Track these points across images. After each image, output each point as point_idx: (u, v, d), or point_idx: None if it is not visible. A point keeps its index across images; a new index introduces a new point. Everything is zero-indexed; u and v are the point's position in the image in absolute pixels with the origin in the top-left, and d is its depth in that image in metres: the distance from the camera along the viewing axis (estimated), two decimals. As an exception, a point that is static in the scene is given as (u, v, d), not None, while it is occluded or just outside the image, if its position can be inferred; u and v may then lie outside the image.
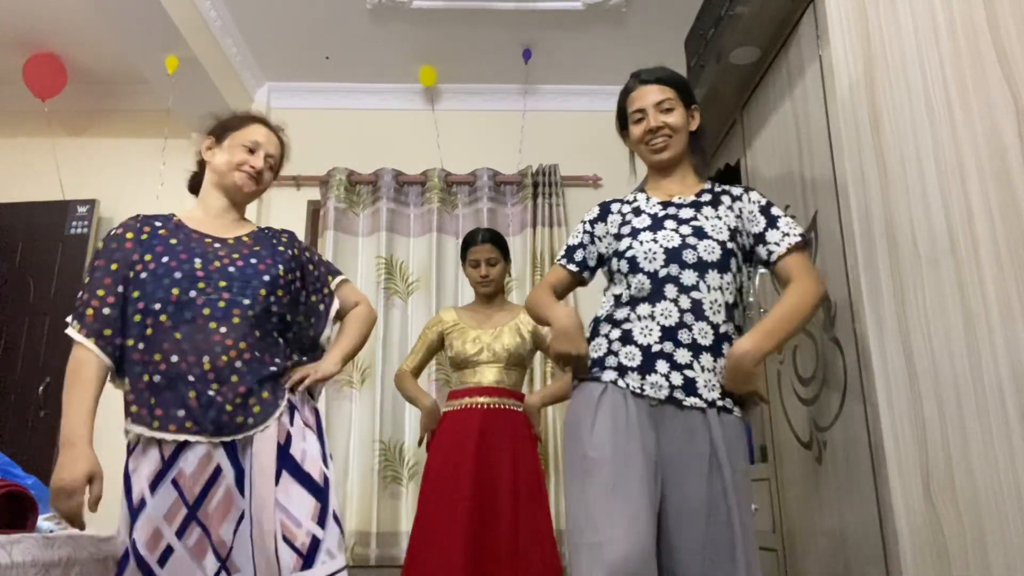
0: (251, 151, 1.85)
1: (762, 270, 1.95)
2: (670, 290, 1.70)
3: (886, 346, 1.65)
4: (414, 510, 3.47)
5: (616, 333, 1.74)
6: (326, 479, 1.68)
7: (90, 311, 1.67)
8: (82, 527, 1.60)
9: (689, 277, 1.70)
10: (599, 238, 1.90)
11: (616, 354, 1.71)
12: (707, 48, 2.58)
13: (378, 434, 3.61)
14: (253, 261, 1.78)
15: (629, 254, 1.77)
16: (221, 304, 1.68)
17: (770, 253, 1.76)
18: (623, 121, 1.93)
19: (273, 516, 1.58)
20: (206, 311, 1.67)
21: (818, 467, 1.98)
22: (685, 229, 1.76)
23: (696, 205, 1.81)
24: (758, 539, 2.30)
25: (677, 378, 1.65)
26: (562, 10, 3.60)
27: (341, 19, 3.66)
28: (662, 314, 1.69)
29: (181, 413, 1.61)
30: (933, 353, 1.62)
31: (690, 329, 1.67)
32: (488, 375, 2.73)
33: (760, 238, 1.78)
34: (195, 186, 1.99)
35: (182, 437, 1.60)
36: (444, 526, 2.52)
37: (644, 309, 1.71)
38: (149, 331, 1.66)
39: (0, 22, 3.65)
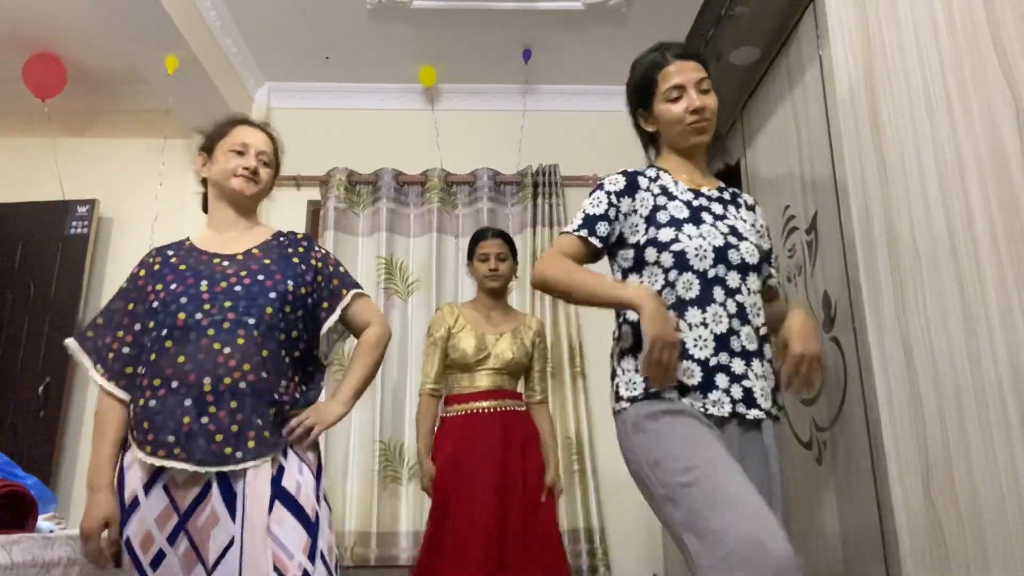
0: (241, 153, 1.83)
1: None
2: (718, 293, 1.57)
3: (886, 346, 1.65)
4: (414, 510, 3.49)
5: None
6: (318, 516, 1.63)
7: (111, 354, 1.72)
8: (104, 566, 1.63)
9: (733, 279, 1.59)
10: (624, 215, 1.67)
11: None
12: (707, 48, 2.58)
13: (378, 434, 3.61)
14: (261, 278, 1.74)
15: (676, 248, 1.59)
16: (226, 325, 1.66)
17: (770, 276, 1.74)
18: (643, 97, 1.73)
19: (266, 546, 1.55)
20: (211, 332, 1.65)
21: (818, 467, 1.98)
22: (722, 227, 1.63)
23: (722, 202, 1.71)
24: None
25: (737, 391, 1.53)
26: (562, 10, 3.60)
27: (341, 19, 3.66)
28: (713, 320, 1.56)
29: (171, 439, 1.59)
30: (933, 353, 1.62)
31: (739, 336, 1.56)
32: (490, 380, 2.69)
33: (767, 256, 1.72)
34: (206, 205, 1.95)
35: (169, 464, 1.58)
36: (465, 532, 2.48)
37: (694, 315, 1.56)
38: (153, 356, 1.66)
39: (0, 22, 3.65)
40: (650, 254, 1.62)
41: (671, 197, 1.66)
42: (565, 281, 1.60)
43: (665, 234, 1.61)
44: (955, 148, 1.74)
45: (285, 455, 1.66)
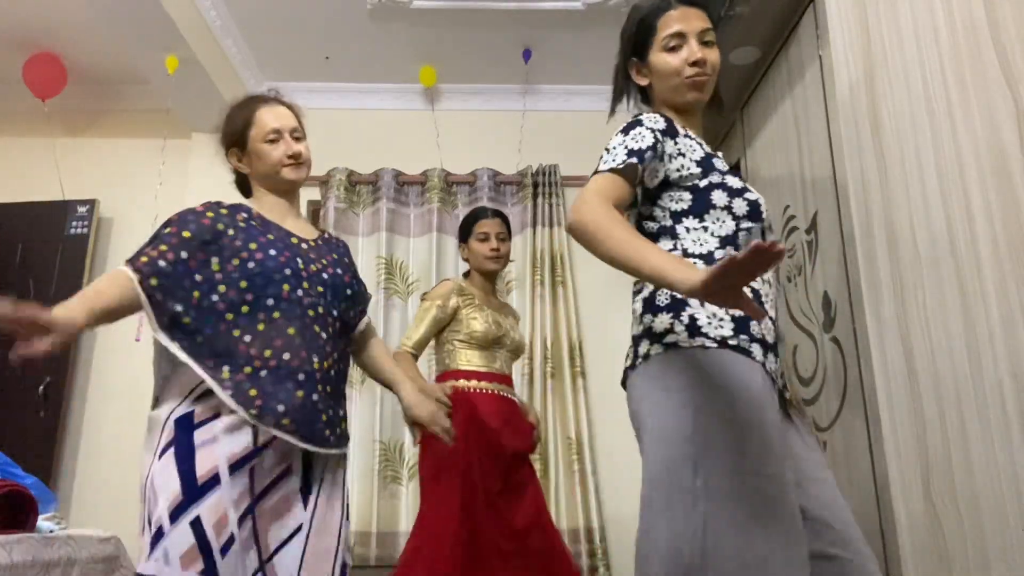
0: (275, 140, 1.78)
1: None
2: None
3: (886, 346, 1.65)
4: (414, 510, 3.48)
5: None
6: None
7: (144, 258, 1.57)
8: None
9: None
10: (669, 156, 1.47)
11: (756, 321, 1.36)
12: (707, 48, 2.57)
13: (378, 434, 3.61)
14: (339, 271, 1.76)
15: (751, 196, 1.46)
16: (320, 310, 1.67)
17: None
18: (638, 45, 1.56)
19: (336, 542, 1.59)
20: (311, 312, 1.64)
21: (818, 467, 1.98)
22: (752, 195, 1.49)
23: (734, 171, 1.55)
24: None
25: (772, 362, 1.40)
26: (562, 10, 3.60)
27: (341, 19, 3.66)
28: (764, 280, 1.43)
29: (281, 408, 1.54)
30: (933, 353, 1.62)
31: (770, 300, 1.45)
32: (504, 363, 2.55)
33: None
34: (242, 187, 1.91)
35: (274, 432, 1.53)
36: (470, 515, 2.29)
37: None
38: (261, 326, 1.60)
39: (0, 22, 3.65)
40: (719, 197, 1.44)
41: (709, 156, 1.51)
42: (605, 233, 1.29)
43: (733, 180, 1.46)
44: (955, 148, 1.75)
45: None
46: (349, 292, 1.75)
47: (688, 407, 1.29)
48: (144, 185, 4.07)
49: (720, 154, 1.59)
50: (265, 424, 1.53)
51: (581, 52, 3.91)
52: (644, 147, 1.41)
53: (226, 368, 1.55)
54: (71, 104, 4.11)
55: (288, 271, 1.64)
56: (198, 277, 1.59)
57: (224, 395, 1.53)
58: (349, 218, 3.95)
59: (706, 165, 1.47)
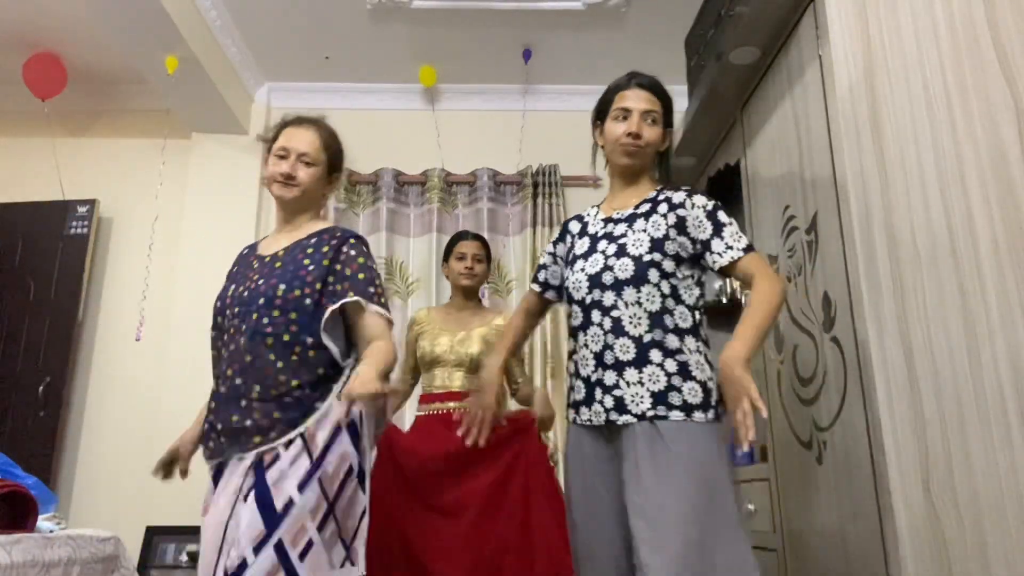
0: (282, 157, 1.89)
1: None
2: (595, 315, 1.72)
3: (886, 346, 1.65)
4: (413, 510, 3.49)
5: (571, 367, 1.80)
6: (288, 505, 1.60)
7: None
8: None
9: (608, 298, 1.70)
10: (561, 259, 1.96)
11: (572, 389, 1.78)
12: (707, 48, 2.58)
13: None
14: (260, 282, 1.79)
15: (567, 284, 1.83)
16: (232, 332, 1.78)
17: (714, 263, 1.70)
18: (601, 113, 1.93)
19: (219, 541, 1.61)
20: (224, 337, 1.80)
21: (818, 467, 1.98)
22: (611, 249, 1.76)
23: (631, 219, 1.79)
24: (758, 539, 2.30)
25: (609, 401, 1.66)
26: (562, 10, 3.60)
27: (341, 19, 3.66)
28: (592, 339, 1.71)
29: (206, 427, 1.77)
30: (933, 353, 1.62)
31: (612, 349, 1.67)
32: (455, 379, 2.64)
33: (706, 245, 1.71)
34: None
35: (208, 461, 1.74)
36: (417, 528, 2.38)
37: (580, 338, 1.75)
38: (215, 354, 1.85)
39: (0, 22, 3.65)
40: (564, 294, 1.88)
41: (583, 234, 1.88)
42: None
43: (567, 274, 1.85)
44: (955, 148, 1.74)
45: (288, 445, 1.66)
46: (261, 301, 1.74)
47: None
48: (144, 185, 4.07)
49: (618, 213, 1.83)
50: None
51: (581, 52, 3.91)
52: (540, 265, 2.03)
53: None
54: (71, 104, 4.11)
55: (219, 303, 1.85)
56: None
57: None
58: (349, 218, 3.95)
59: (567, 260, 1.90)
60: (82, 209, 3.97)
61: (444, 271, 2.88)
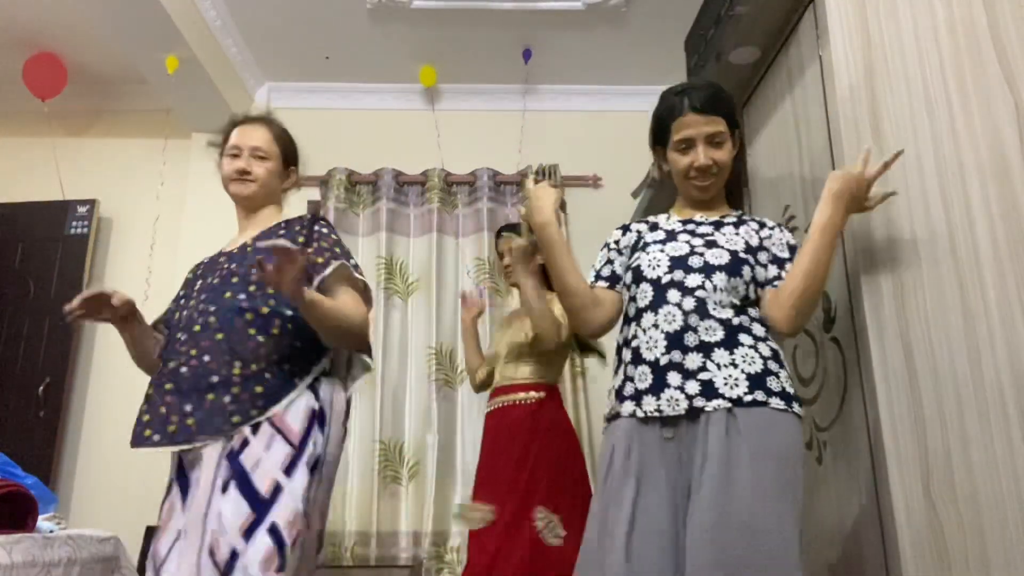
0: (235, 156, 1.89)
1: None
2: (672, 294, 1.57)
3: (886, 346, 1.65)
4: (414, 510, 3.49)
5: (626, 354, 1.62)
6: (276, 490, 1.57)
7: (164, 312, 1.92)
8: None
9: (693, 279, 1.58)
10: (623, 250, 1.79)
11: (628, 379, 1.59)
12: (707, 48, 2.57)
13: (378, 434, 3.61)
14: (233, 266, 1.80)
15: (634, 264, 1.67)
16: (195, 316, 1.75)
17: (778, 277, 1.65)
18: (659, 136, 1.75)
19: (201, 530, 1.55)
20: (182, 325, 1.77)
21: (818, 467, 1.98)
22: (698, 241, 1.65)
23: (718, 224, 1.72)
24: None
25: (693, 386, 1.50)
26: (562, 10, 3.60)
27: (341, 19, 3.66)
28: (666, 319, 1.56)
29: (146, 419, 1.68)
30: (933, 353, 1.62)
31: (696, 331, 1.54)
32: (502, 373, 2.71)
33: (779, 261, 1.67)
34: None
35: (142, 449, 1.66)
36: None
37: (648, 319, 1.59)
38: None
39: (0, 22, 3.65)
40: (626, 278, 1.72)
41: (655, 229, 1.75)
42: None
43: (634, 259, 1.70)
44: (955, 148, 1.74)
45: (255, 431, 1.63)
46: (235, 280, 1.75)
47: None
48: (144, 185, 4.07)
49: (700, 216, 1.75)
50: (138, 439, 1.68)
51: (581, 52, 3.91)
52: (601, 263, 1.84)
53: None
54: (71, 104, 4.11)
55: (183, 298, 1.84)
56: None
57: None
58: (349, 218, 3.95)
59: (632, 247, 1.77)
60: (82, 209, 3.97)
61: (498, 266, 3.01)
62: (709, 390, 1.48)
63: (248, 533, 1.51)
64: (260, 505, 1.54)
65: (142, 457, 3.59)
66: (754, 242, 1.68)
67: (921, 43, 1.81)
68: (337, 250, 1.81)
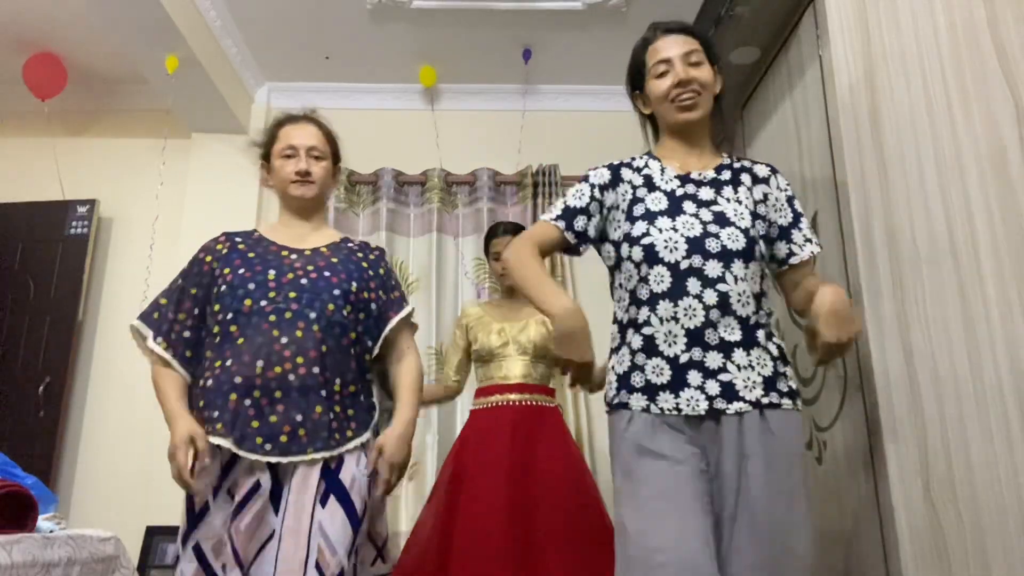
0: (290, 156, 1.86)
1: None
2: (693, 284, 1.51)
3: (886, 346, 1.65)
4: (414, 510, 3.48)
5: (636, 341, 1.54)
6: (365, 510, 1.67)
7: (174, 332, 1.73)
8: (189, 489, 1.62)
9: (714, 268, 1.51)
10: (608, 210, 1.66)
11: (639, 369, 1.53)
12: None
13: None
14: (327, 274, 1.76)
15: (646, 241, 1.55)
16: (288, 315, 1.67)
17: (791, 254, 1.62)
18: (636, 79, 1.72)
19: (306, 542, 1.55)
20: (272, 318, 1.66)
21: (818, 467, 1.98)
22: (706, 215, 1.56)
23: (716, 184, 1.62)
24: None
25: (713, 386, 1.48)
26: (562, 10, 3.59)
27: (341, 19, 3.66)
28: (687, 314, 1.50)
29: (215, 414, 1.61)
30: (933, 353, 1.62)
31: (716, 328, 1.50)
32: (515, 369, 2.61)
33: (785, 233, 1.63)
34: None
35: (215, 441, 1.59)
36: (480, 524, 2.33)
37: (665, 308, 1.52)
38: (218, 339, 1.69)
39: (0, 22, 3.65)
40: (624, 250, 1.59)
41: (652, 188, 1.63)
42: (518, 271, 1.61)
43: (637, 228, 1.58)
44: (955, 148, 1.75)
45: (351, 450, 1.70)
46: (337, 292, 1.72)
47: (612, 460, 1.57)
48: (144, 185, 4.07)
49: (697, 173, 1.65)
50: (209, 435, 1.60)
51: (581, 52, 3.91)
52: (578, 207, 1.68)
53: (193, 387, 1.70)
54: (71, 104, 4.11)
55: (252, 285, 1.69)
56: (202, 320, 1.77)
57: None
58: (349, 218, 3.95)
59: (628, 213, 1.62)
60: (82, 209, 3.97)
61: (489, 267, 2.90)
62: (730, 392, 1.48)
63: (349, 554, 1.59)
64: (358, 527, 1.62)
65: (142, 457, 3.59)
66: (760, 209, 1.62)
67: (921, 43, 1.81)
68: (399, 292, 1.91)
